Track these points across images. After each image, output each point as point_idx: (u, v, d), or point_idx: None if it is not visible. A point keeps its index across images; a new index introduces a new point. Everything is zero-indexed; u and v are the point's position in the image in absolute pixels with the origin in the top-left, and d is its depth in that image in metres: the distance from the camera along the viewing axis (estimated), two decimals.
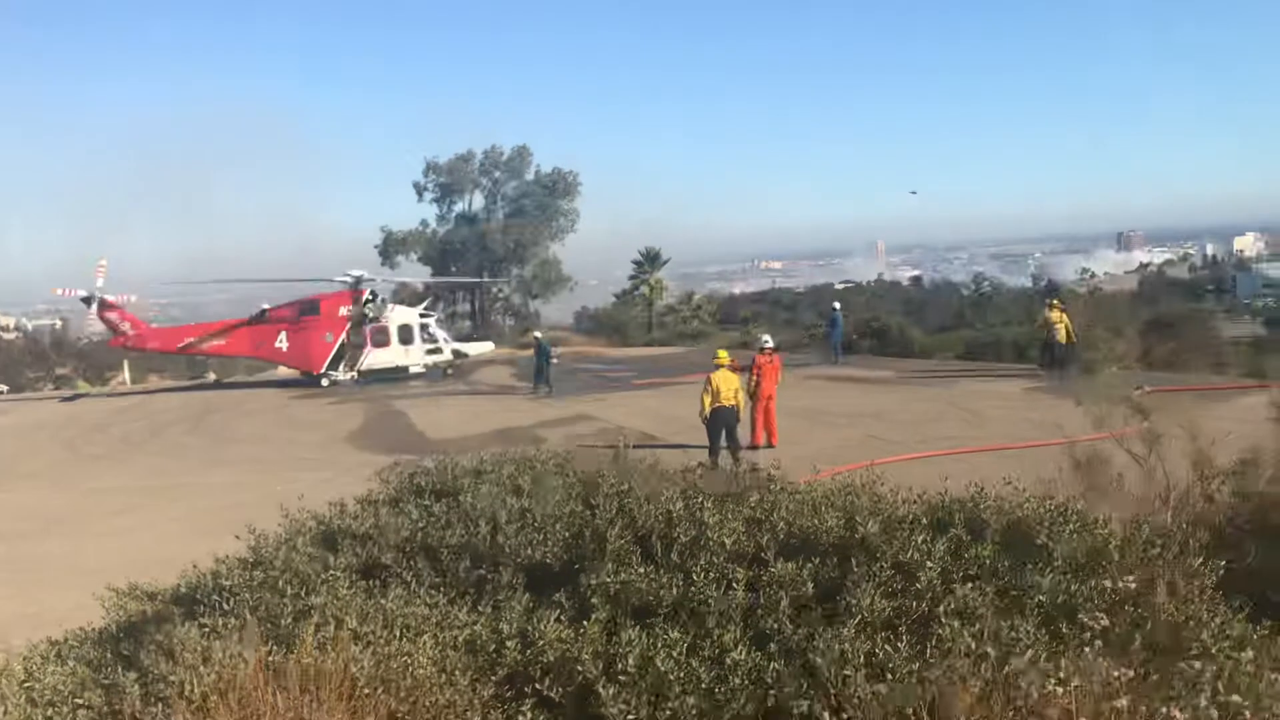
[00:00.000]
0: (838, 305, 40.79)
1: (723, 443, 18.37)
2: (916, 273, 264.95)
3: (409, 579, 6.07)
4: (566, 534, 6.30)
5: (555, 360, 35.13)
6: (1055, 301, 32.81)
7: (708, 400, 18.38)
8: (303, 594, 5.81)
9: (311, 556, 6.36)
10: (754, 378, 20.43)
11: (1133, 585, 4.87)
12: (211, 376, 55.03)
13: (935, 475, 10.46)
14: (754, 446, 19.94)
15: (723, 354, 19.42)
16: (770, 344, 21.66)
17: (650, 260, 65.81)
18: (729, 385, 18.25)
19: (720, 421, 18.23)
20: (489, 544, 6.24)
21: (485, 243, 66.46)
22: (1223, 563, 5.62)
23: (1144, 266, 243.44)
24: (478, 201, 70.21)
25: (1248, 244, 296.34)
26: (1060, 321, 29.58)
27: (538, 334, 36.92)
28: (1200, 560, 5.51)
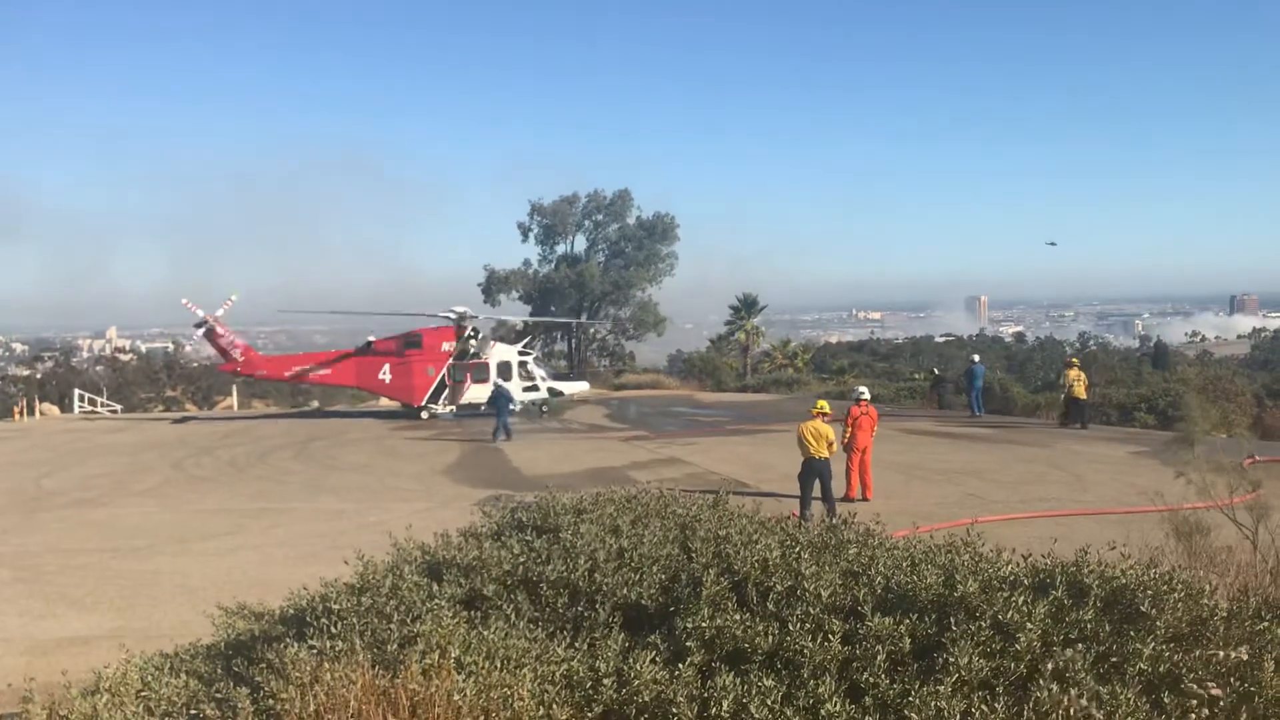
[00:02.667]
0: (977, 357, 40.31)
1: (814, 494, 18.22)
2: (1019, 329, 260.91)
3: (509, 611, 6.20)
4: (663, 576, 6.38)
5: (515, 408, 34.56)
6: (1075, 360, 36.19)
7: (821, 445, 18.11)
8: (408, 621, 5.97)
9: (417, 585, 6.54)
10: (849, 429, 20.30)
11: (1244, 656, 4.78)
12: (315, 404, 56.47)
13: (1034, 537, 10.36)
14: (849, 499, 19.78)
15: (823, 404, 19.30)
16: (866, 395, 21.52)
17: (747, 306, 65.84)
18: (820, 436, 18.10)
19: (811, 473, 18.10)
20: (587, 581, 6.35)
21: (584, 283, 67.27)
22: None
23: (1257, 331, 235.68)
24: (579, 243, 71.30)
25: None
26: (1078, 380, 32.59)
27: (499, 381, 36.44)
28: None
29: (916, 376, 56.73)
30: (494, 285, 69.31)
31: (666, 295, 71.81)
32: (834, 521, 16.90)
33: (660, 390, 54.46)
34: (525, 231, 70.57)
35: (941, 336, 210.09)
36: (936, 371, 46.20)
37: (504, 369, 39.99)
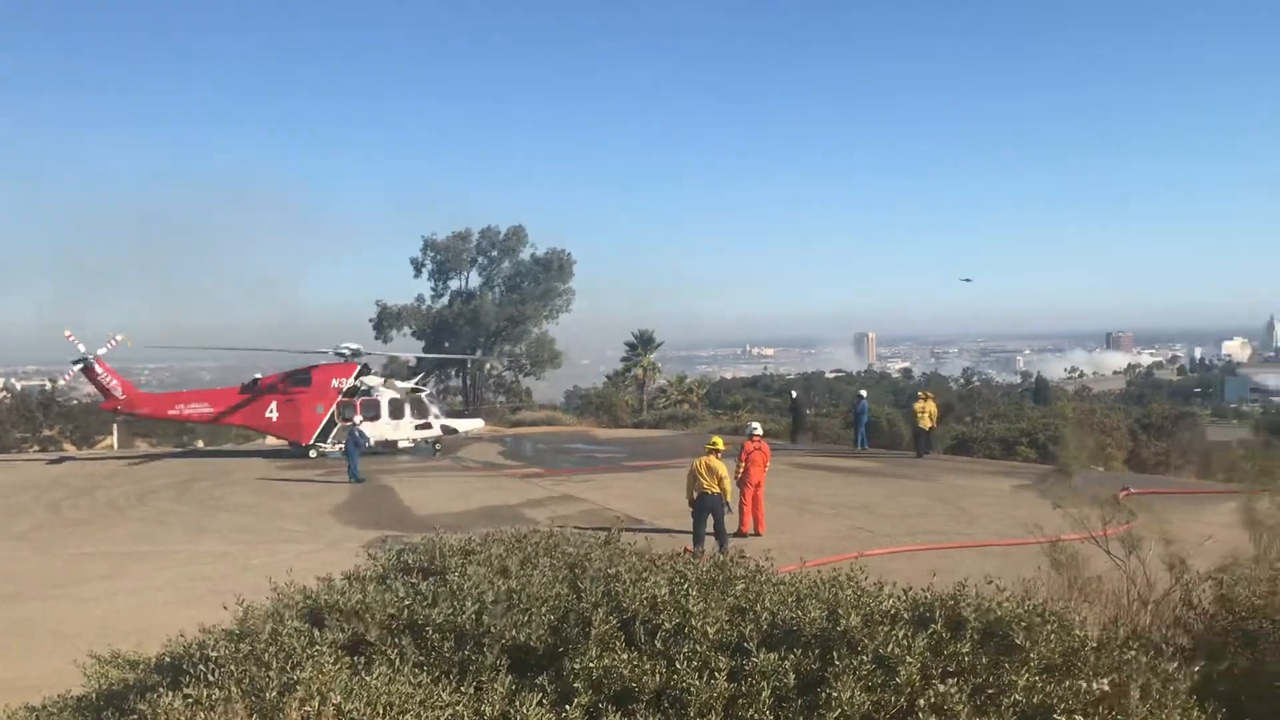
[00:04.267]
0: (864, 393, 41.06)
1: (707, 529, 18.35)
2: (906, 365, 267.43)
3: (394, 656, 6.09)
4: (552, 616, 6.34)
5: (369, 444, 34.05)
6: (923, 393, 38.09)
7: (715, 483, 18.27)
8: (288, 668, 5.82)
9: (298, 631, 6.38)
10: (742, 465, 20.50)
11: (1106, 687, 4.95)
12: (200, 444, 54.84)
13: (920, 570, 10.56)
14: (742, 534, 19.94)
15: (717, 439, 19.48)
16: (759, 431, 21.77)
17: (644, 342, 66.27)
18: (713, 472, 18.26)
19: (705, 508, 18.23)
20: (475, 623, 6.28)
21: (479, 319, 66.94)
22: (1197, 668, 5.71)
23: (1132, 367, 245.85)
24: (473, 279, 70.96)
25: (1236, 349, 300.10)
26: (924, 411, 34.59)
27: (356, 419, 35.63)
28: (1175, 665, 5.58)
29: (808, 412, 57.53)
30: (386, 321, 68.55)
31: (563, 331, 71.91)
32: (725, 557, 17.04)
33: (556, 427, 54.30)
34: (418, 267, 70.04)
35: (832, 372, 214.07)
36: (794, 395, 47.18)
37: (396, 406, 39.43)
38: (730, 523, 19.43)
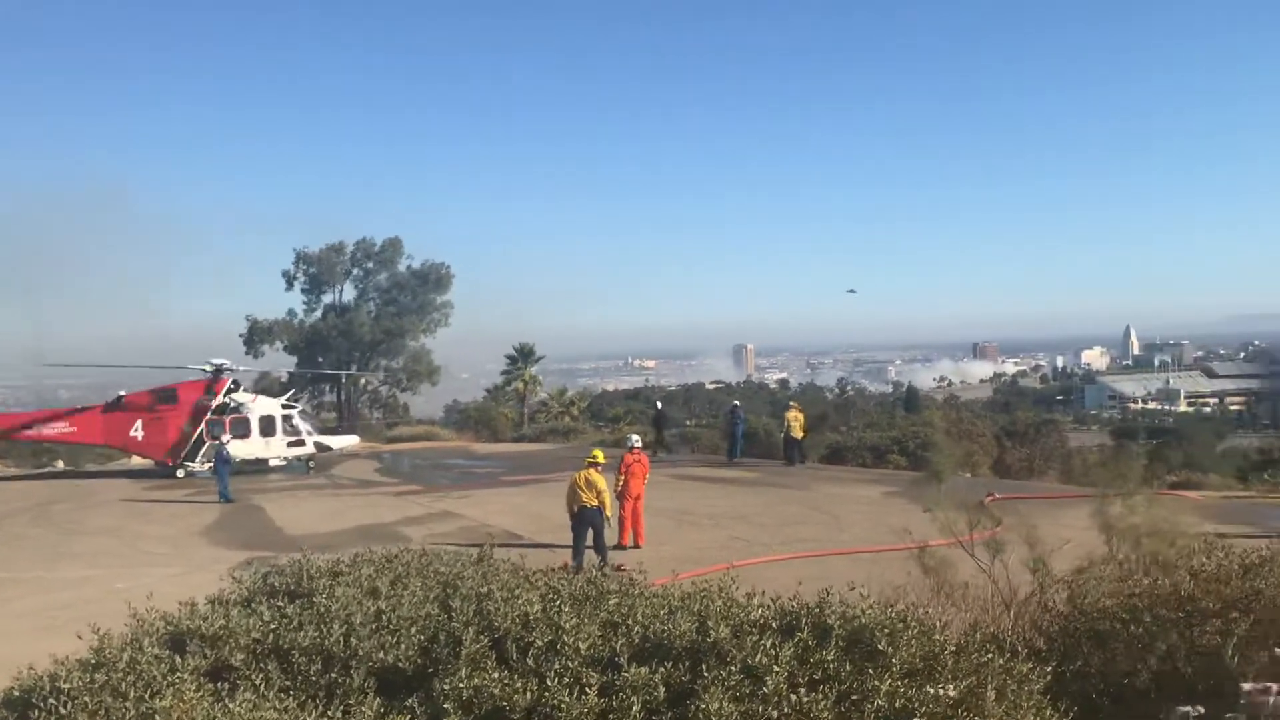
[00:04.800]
0: (737, 403, 41.50)
1: (587, 543, 18.36)
2: (783, 375, 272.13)
3: (258, 682, 5.93)
4: (422, 637, 6.26)
5: (234, 462, 33.25)
6: (793, 403, 39.17)
7: (589, 496, 18.28)
8: (146, 697, 5.62)
9: (157, 658, 6.16)
10: (621, 477, 20.56)
11: (953, 693, 5.11)
12: (60, 464, 52.52)
13: (795, 578, 10.73)
14: (621, 546, 19.99)
15: (597, 453, 19.50)
16: (638, 443, 21.87)
17: (524, 355, 65.89)
18: (592, 485, 18.30)
19: (584, 522, 18.24)
20: (343, 646, 6.16)
21: (354, 333, 65.70)
22: (1049, 668, 5.93)
23: (998, 376, 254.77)
24: (348, 292, 69.62)
25: (1095, 357, 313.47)
26: (795, 420, 35.30)
27: (225, 437, 34.68)
28: (1029, 666, 5.80)
29: (688, 423, 58.13)
30: (257, 336, 66.71)
31: (441, 345, 70.99)
32: (604, 570, 17.05)
33: (435, 442, 53.59)
34: (290, 280, 68.42)
35: (712, 383, 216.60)
36: (659, 406, 47.67)
37: (266, 423, 38.41)
38: (610, 535, 19.47)
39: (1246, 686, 5.23)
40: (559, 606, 6.32)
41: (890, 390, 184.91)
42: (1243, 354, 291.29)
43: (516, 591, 6.65)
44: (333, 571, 7.77)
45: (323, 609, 6.67)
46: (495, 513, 25.62)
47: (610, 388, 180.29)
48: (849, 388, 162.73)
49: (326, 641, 6.21)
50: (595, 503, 18.14)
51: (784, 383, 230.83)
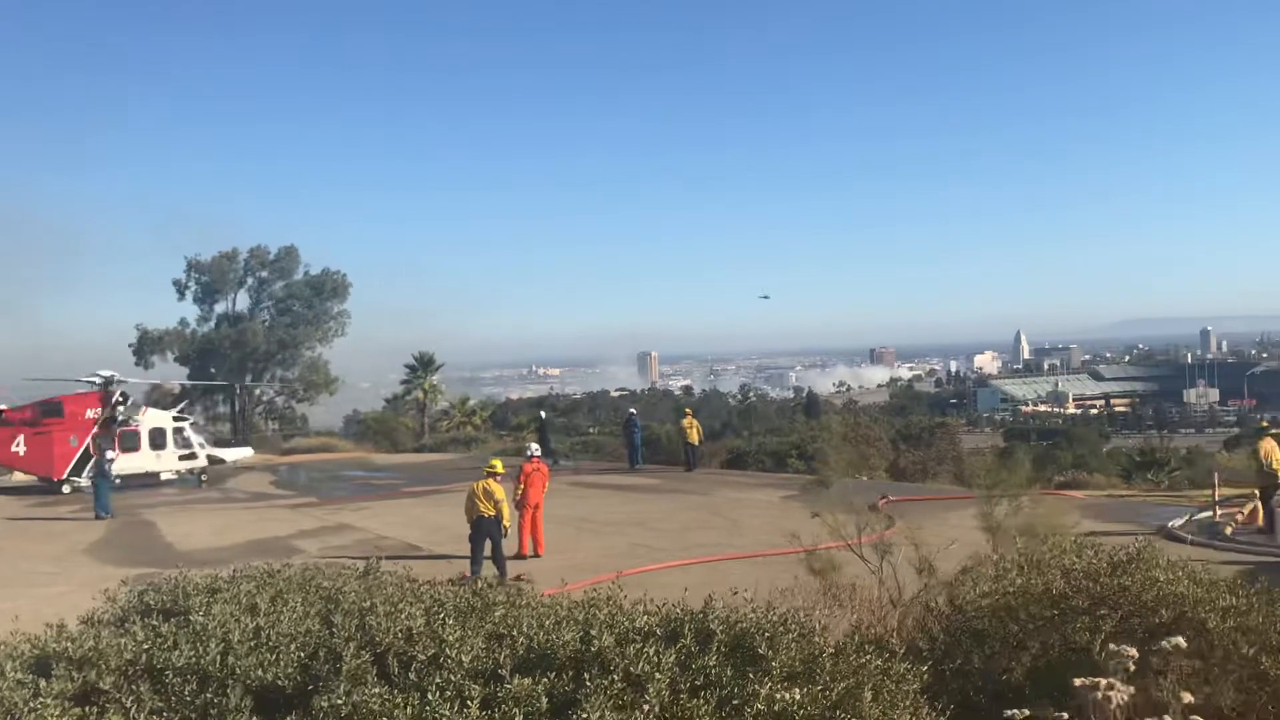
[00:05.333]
0: (633, 410, 41.75)
1: (486, 553, 18.24)
2: (687, 382, 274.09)
3: (129, 705, 5.75)
4: (302, 654, 6.13)
5: (117, 480, 32.15)
6: (688, 410, 39.80)
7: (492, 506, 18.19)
8: None
9: (20, 683, 5.94)
10: (521, 486, 20.49)
11: (833, 695, 5.20)
12: None
13: (693, 584, 10.83)
14: (521, 556, 19.93)
15: (496, 462, 19.41)
16: (538, 452, 21.84)
17: (424, 364, 65.07)
18: (490, 495, 18.20)
19: (482, 532, 18.13)
20: (219, 665, 6.01)
21: (248, 343, 64.18)
22: (925, 668, 6.07)
23: (894, 381, 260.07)
24: (242, 301, 67.95)
25: (987, 362, 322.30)
26: (691, 426, 36.41)
27: (111, 452, 32.93)
28: (906, 666, 5.92)
29: (591, 431, 58.13)
30: (147, 346, 64.69)
31: (340, 355, 69.70)
32: (503, 581, 16.95)
33: (333, 454, 52.69)
34: (182, 289, 66.49)
35: (616, 391, 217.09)
36: (543, 415, 47.65)
37: (157, 436, 37.36)
38: (510, 545, 19.40)
39: (1077, 682, 5.41)
40: (443, 619, 6.26)
41: (791, 396, 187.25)
42: (1128, 357, 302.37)
43: (400, 605, 6.56)
44: (211, 588, 7.57)
45: (199, 627, 6.49)
46: (393, 525, 25.31)
47: (514, 396, 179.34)
48: (751, 394, 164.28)
49: (202, 660, 6.04)
50: (493, 512, 18.05)
51: (688, 389, 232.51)
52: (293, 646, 6.16)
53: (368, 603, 6.72)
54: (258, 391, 67.35)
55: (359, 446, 56.44)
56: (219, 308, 67.31)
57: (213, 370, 64.46)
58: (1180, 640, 5.82)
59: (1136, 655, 5.63)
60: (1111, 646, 5.57)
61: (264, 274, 67.25)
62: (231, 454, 40.63)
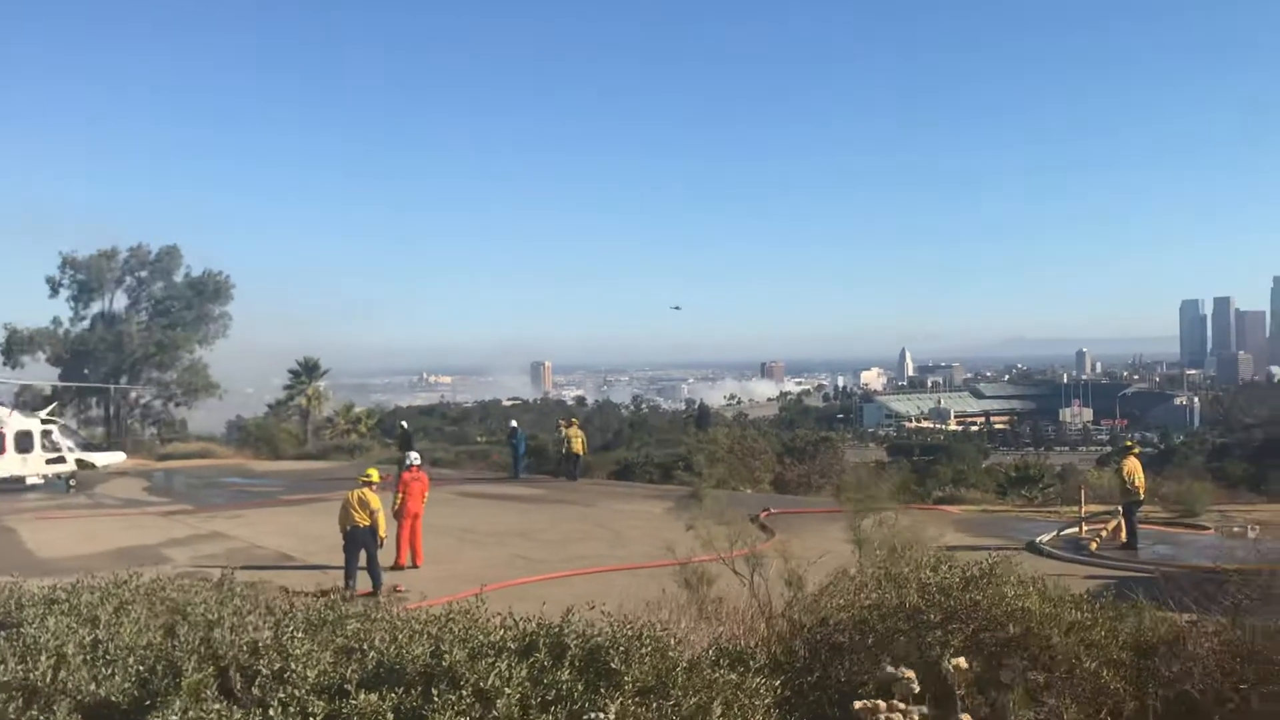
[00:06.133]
0: (514, 423, 41.51)
1: (361, 564, 17.87)
2: (580, 393, 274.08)
3: None
4: (141, 668, 5.90)
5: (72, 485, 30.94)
6: (573, 420, 39.75)
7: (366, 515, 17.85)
8: None
9: None
10: (399, 495, 20.16)
11: (684, 709, 5.19)
12: None
13: (573, 595, 10.75)
14: (399, 567, 19.59)
15: (372, 471, 19.06)
16: (417, 460, 21.51)
17: (309, 370, 63.75)
18: (364, 504, 17.86)
19: (356, 542, 17.77)
20: (50, 680, 5.73)
21: (124, 345, 62.02)
22: (779, 681, 6.10)
23: (784, 395, 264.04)
24: (120, 301, 65.65)
25: (873, 378, 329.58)
26: (575, 437, 36.69)
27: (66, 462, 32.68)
28: (761, 679, 5.94)
29: (480, 439, 57.65)
30: (16, 346, 62.05)
31: (223, 358, 67.84)
32: (378, 593, 16.66)
33: (211, 460, 51.26)
34: (55, 287, 63.97)
35: (508, 400, 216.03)
36: (404, 425, 47.17)
37: (23, 439, 35.87)
38: (388, 555, 19.07)
39: (857, 705, 5.50)
40: (292, 633, 6.08)
41: (683, 408, 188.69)
42: (1007, 376, 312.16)
43: (248, 618, 6.36)
44: (49, 599, 7.24)
45: (31, 640, 6.20)
46: (268, 533, 24.69)
47: (403, 404, 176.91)
48: (643, 405, 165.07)
49: (32, 675, 5.77)
50: (367, 522, 17.71)
51: (581, 400, 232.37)
52: (131, 660, 5.93)
53: (215, 615, 6.49)
54: (133, 394, 65.15)
55: (239, 453, 55.01)
56: (95, 307, 65.01)
57: (86, 371, 62.18)
58: (961, 661, 5.96)
59: (915, 679, 5.74)
60: (890, 670, 5.67)
61: (144, 273, 65.18)
62: (103, 458, 39.23)
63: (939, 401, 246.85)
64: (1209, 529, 23.51)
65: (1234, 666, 6.88)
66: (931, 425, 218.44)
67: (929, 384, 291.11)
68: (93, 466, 37.90)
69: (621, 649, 5.71)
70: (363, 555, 17.87)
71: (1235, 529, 21.60)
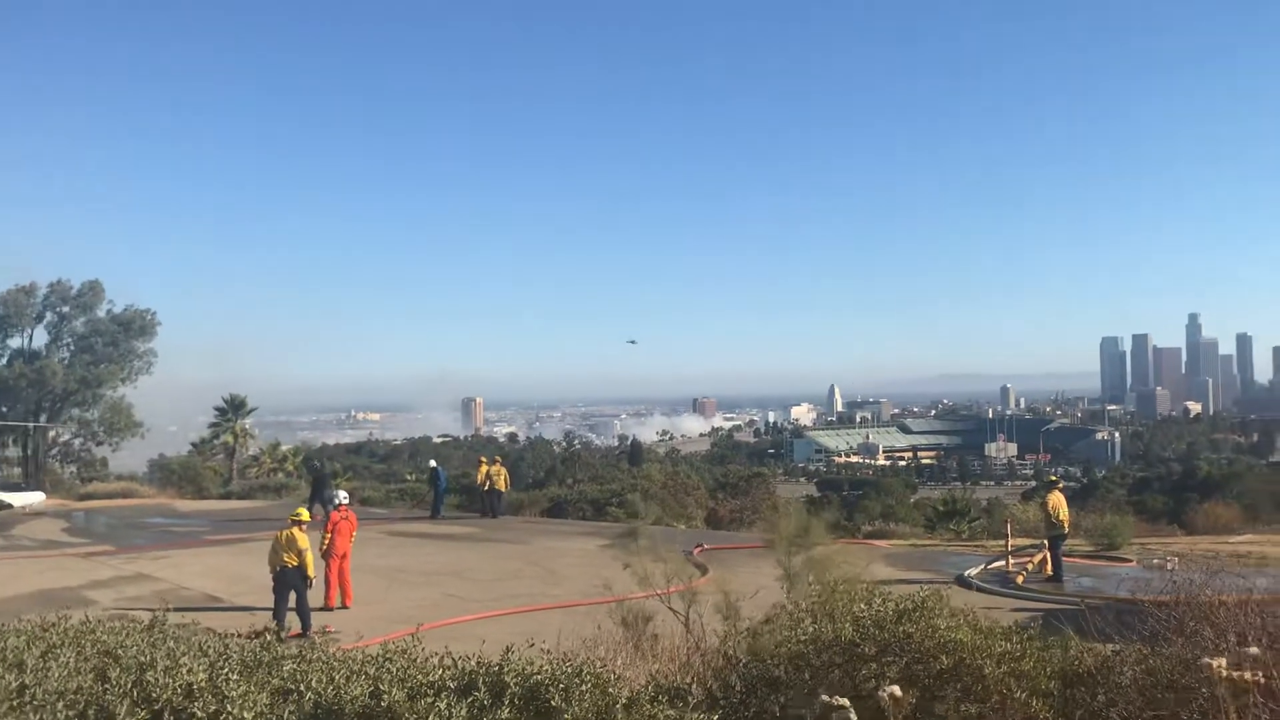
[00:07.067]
0: (433, 463, 41.19)
1: (290, 605, 17.62)
2: (512, 429, 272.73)
3: None
4: (71, 713, 5.78)
5: None
6: (498, 457, 39.58)
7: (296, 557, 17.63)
8: None
9: None
10: (327, 535, 19.93)
11: None
12: None
13: (510, 634, 10.73)
14: (328, 608, 19.33)
15: (302, 510, 18.82)
16: (345, 499, 21.26)
17: (235, 408, 62.70)
18: (293, 544, 17.64)
19: (285, 583, 17.53)
20: None
21: (45, 382, 60.49)
22: (716, 715, 6.17)
23: (716, 431, 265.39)
24: (40, 337, 64.10)
25: (803, 413, 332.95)
26: (499, 474, 36.75)
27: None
28: (700, 715, 6.01)
29: (409, 477, 57.08)
30: None
31: (146, 396, 66.47)
32: (307, 634, 16.43)
33: (134, 499, 50.00)
34: None
35: (439, 437, 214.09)
36: (317, 464, 46.62)
37: None
38: (318, 596, 18.82)
39: None
40: (227, 675, 6.01)
41: (616, 444, 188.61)
42: (934, 411, 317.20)
43: (182, 660, 6.27)
44: None
45: None
46: (194, 574, 24.17)
47: (331, 442, 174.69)
48: (576, 441, 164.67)
49: None
50: (295, 562, 17.49)
51: (513, 436, 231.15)
52: (60, 705, 5.80)
53: (148, 657, 6.39)
54: (53, 433, 63.51)
55: (162, 492, 53.77)
56: (14, 343, 63.41)
57: (4, 409, 60.50)
58: (896, 689, 6.09)
59: (849, 705, 5.86)
60: (826, 699, 5.78)
61: (65, 309, 63.74)
62: (20, 498, 38.28)
63: (868, 437, 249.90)
64: (1130, 561, 24.09)
65: (1155, 695, 7.09)
66: (860, 460, 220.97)
67: (858, 419, 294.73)
68: (9, 506, 36.91)
69: (561, 686, 5.74)
70: (292, 596, 17.64)
71: (1155, 561, 22.13)
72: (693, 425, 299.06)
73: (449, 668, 6.33)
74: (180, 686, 5.87)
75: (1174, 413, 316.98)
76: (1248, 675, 5.75)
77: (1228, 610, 8.19)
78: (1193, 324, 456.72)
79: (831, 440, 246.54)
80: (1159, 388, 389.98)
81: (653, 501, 35.52)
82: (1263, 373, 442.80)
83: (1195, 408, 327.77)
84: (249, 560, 24.74)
